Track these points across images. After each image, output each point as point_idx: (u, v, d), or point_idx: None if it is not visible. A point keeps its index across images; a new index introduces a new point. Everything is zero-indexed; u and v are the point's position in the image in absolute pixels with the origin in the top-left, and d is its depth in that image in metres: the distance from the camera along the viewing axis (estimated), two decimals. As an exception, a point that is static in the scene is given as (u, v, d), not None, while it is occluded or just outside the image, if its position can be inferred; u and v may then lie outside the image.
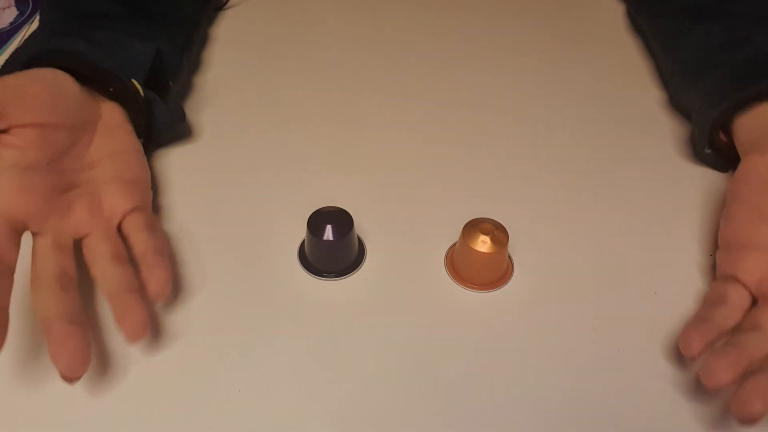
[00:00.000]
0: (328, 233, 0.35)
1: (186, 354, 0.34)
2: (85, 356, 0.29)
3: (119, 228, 0.34)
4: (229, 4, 0.59)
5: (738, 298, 0.32)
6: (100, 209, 0.34)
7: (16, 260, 0.30)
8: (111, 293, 0.31)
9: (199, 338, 0.34)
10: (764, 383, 0.27)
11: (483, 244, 0.35)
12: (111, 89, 0.38)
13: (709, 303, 0.33)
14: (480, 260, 0.35)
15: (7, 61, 0.39)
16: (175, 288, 0.34)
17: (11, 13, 0.74)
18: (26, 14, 0.73)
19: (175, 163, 0.44)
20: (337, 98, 0.50)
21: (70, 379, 0.29)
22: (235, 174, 0.44)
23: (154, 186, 0.42)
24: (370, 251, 0.39)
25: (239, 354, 0.34)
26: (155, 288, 0.31)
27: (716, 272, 0.35)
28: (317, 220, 0.36)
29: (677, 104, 0.48)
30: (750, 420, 0.27)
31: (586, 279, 0.38)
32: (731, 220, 0.36)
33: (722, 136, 0.41)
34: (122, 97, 0.38)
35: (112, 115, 0.38)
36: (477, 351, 0.34)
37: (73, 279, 0.31)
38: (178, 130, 0.45)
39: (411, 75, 0.52)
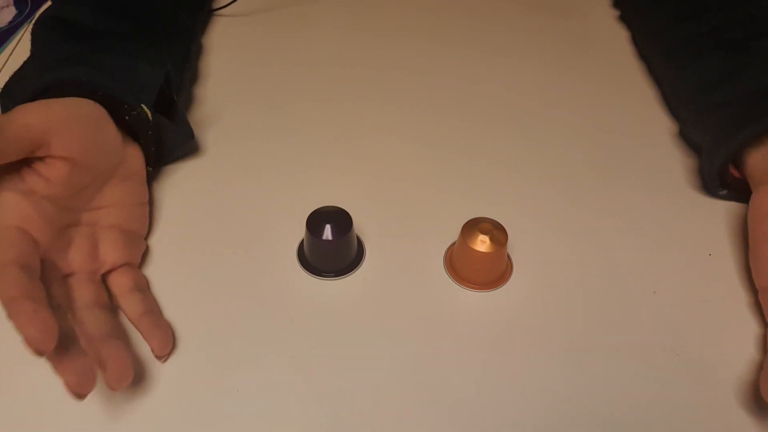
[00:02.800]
0: (327, 233, 0.35)
1: (184, 353, 0.34)
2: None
3: (105, 278, 0.35)
4: (222, 11, 0.58)
5: None
6: (93, 254, 0.35)
7: (39, 270, 0.31)
8: (91, 338, 0.30)
9: (197, 338, 0.34)
10: None
11: (482, 243, 0.35)
12: (127, 117, 0.37)
13: None
14: (479, 260, 0.35)
15: (8, 86, 0.38)
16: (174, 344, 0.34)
17: (10, 12, 0.73)
18: (25, 13, 0.73)
19: (174, 163, 0.44)
20: (335, 99, 0.50)
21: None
22: (234, 173, 0.44)
23: (153, 188, 0.42)
24: (369, 251, 0.39)
25: (238, 353, 0.34)
26: (159, 346, 0.33)
27: (766, 317, 0.35)
28: (316, 219, 0.36)
29: (686, 137, 0.47)
30: None
31: (586, 278, 0.38)
32: (763, 262, 0.35)
33: (734, 172, 0.41)
34: (135, 126, 0.38)
35: (132, 160, 0.38)
36: (476, 350, 0.34)
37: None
38: (187, 147, 0.44)
39: (410, 76, 0.52)
